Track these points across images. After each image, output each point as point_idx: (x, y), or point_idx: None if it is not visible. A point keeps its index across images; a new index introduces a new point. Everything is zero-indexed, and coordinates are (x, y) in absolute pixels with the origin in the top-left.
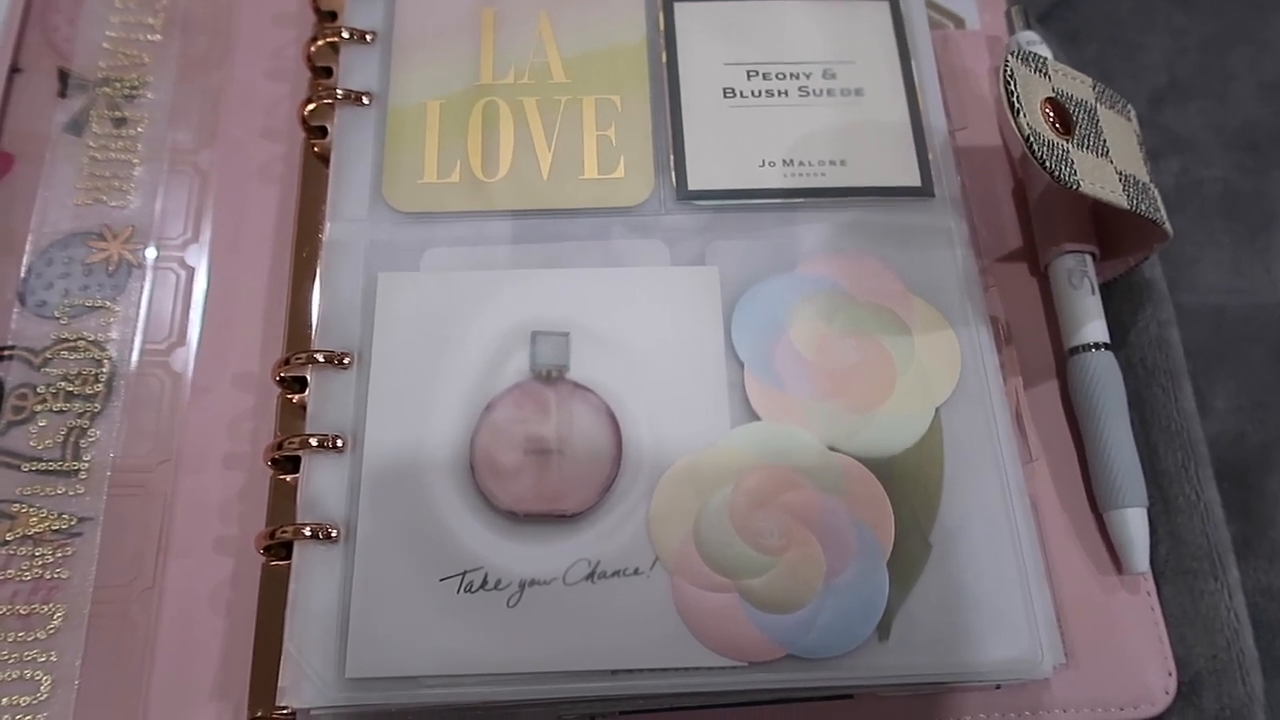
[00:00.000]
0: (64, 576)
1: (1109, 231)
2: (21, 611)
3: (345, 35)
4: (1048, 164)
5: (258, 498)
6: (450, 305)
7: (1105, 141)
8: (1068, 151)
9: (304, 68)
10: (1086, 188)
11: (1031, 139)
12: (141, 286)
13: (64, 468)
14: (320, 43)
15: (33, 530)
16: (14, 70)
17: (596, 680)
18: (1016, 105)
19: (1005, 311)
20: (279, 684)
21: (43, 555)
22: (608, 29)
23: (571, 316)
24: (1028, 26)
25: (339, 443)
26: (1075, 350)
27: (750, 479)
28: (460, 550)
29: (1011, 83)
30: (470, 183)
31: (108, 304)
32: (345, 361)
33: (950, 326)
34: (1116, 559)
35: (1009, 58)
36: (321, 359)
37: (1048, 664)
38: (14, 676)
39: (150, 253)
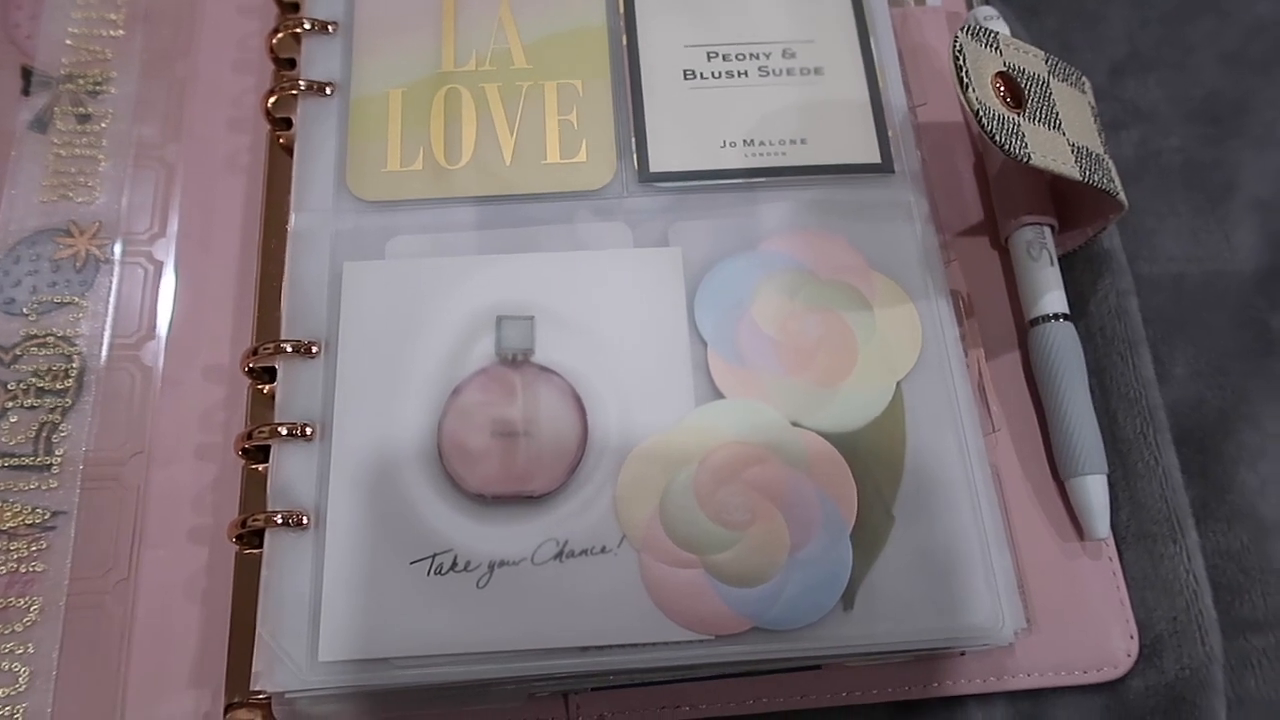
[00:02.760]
0: (39, 570)
1: (1067, 204)
2: None
3: (307, 26)
4: (998, 138)
5: (230, 488)
6: (416, 292)
7: (1058, 114)
8: (1019, 125)
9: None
10: (1038, 160)
11: (981, 113)
12: (110, 281)
13: (36, 462)
14: (282, 34)
15: (6, 525)
16: None
17: (567, 657)
18: (965, 80)
19: (966, 285)
20: (253, 669)
21: (17, 549)
22: (568, 14)
23: (536, 300)
24: (986, 1)
25: (308, 431)
26: (1035, 321)
27: (714, 456)
28: (429, 533)
29: (960, 58)
30: (433, 170)
31: (76, 300)
32: (313, 351)
33: (911, 301)
34: (1078, 525)
35: (959, 34)
36: (289, 349)
37: (1010, 630)
38: None
39: (118, 248)
